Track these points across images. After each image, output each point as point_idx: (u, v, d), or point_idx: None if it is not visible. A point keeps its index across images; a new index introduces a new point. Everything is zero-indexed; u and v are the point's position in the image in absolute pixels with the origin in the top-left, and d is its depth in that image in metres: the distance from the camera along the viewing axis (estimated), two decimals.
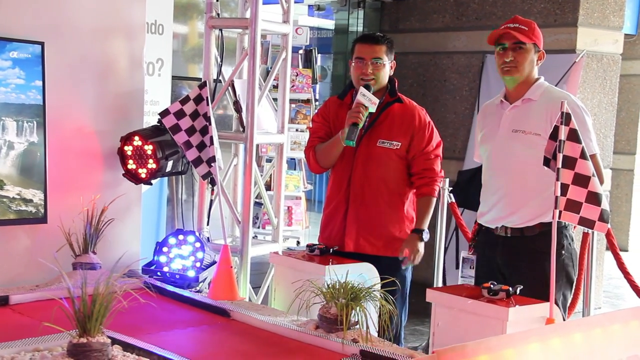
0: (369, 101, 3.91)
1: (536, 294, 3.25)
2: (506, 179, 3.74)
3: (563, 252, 3.67)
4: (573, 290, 3.94)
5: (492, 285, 3.18)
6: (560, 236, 3.60)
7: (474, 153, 4.15)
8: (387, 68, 4.15)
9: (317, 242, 4.13)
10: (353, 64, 4.14)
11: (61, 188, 4.07)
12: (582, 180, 2.98)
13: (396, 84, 4.25)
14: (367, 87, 3.98)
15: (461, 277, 3.60)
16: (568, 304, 3.77)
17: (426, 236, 4.05)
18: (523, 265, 3.67)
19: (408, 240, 4.01)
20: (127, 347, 2.94)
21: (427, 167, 4.08)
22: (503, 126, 3.76)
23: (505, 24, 3.73)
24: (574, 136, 2.98)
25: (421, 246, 4.01)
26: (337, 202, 4.18)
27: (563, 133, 2.99)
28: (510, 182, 3.72)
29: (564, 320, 3.46)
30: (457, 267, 4.00)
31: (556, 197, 3.01)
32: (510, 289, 3.16)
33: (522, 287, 3.18)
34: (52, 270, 3.72)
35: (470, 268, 3.61)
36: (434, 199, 4.12)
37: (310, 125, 4.73)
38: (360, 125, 3.92)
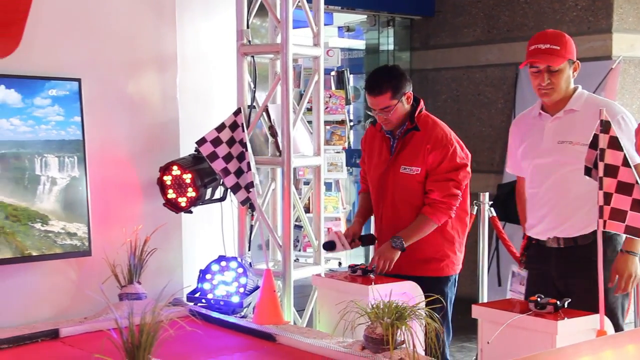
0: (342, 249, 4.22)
1: (593, 304, 3.20)
2: (555, 190, 3.67)
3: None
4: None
5: (539, 299, 3.15)
6: (615, 243, 3.55)
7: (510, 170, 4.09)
8: (398, 108, 4.07)
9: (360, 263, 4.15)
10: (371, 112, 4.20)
11: (104, 220, 4.12)
12: (625, 188, 2.95)
13: (421, 103, 4.18)
14: (327, 247, 4.22)
15: (510, 291, 3.54)
16: (625, 314, 3.69)
17: (400, 246, 3.97)
18: (578, 276, 3.57)
19: (380, 248, 4.04)
20: None
21: (431, 189, 4.02)
22: (547, 138, 3.71)
23: (535, 42, 3.66)
24: (614, 144, 2.95)
25: (393, 253, 3.97)
26: (376, 228, 4.26)
27: (603, 141, 2.97)
28: (560, 193, 3.65)
29: (618, 329, 3.40)
30: (499, 284, 3.94)
31: (600, 207, 2.98)
32: (558, 302, 3.13)
33: (570, 300, 3.15)
34: (99, 302, 3.77)
35: (520, 284, 3.53)
36: (429, 220, 4.00)
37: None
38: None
